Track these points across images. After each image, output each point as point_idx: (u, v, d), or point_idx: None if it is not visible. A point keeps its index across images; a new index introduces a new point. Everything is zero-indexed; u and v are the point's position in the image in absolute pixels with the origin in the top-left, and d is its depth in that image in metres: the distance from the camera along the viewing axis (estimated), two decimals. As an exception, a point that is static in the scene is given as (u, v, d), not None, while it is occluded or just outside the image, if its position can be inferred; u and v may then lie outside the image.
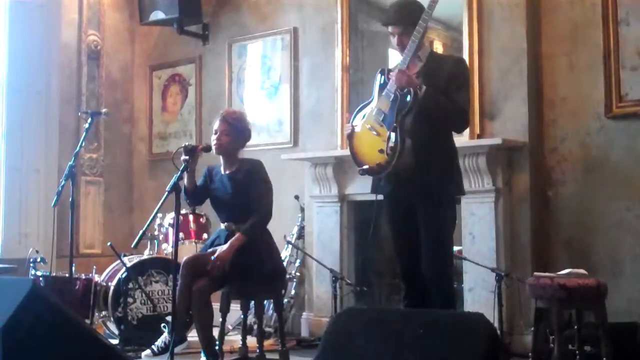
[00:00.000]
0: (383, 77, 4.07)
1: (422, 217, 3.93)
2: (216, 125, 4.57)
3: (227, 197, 4.53)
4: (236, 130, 4.56)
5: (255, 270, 4.34)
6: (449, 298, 3.96)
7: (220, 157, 4.62)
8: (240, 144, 4.63)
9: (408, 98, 3.86)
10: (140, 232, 3.97)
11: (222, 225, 4.57)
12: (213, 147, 4.50)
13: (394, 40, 4.05)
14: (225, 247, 4.32)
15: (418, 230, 3.96)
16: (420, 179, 3.88)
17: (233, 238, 4.36)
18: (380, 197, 4.15)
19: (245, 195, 4.47)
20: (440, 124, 3.96)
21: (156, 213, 4.15)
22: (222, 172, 4.59)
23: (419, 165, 3.88)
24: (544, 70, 5.28)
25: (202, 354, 4.28)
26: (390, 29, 4.05)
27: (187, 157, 4.30)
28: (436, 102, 3.89)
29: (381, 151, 3.89)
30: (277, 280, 4.60)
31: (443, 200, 3.98)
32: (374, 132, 3.96)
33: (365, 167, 4.01)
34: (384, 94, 3.96)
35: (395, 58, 6.29)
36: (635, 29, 4.88)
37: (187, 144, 4.40)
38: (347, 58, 6.08)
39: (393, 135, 3.85)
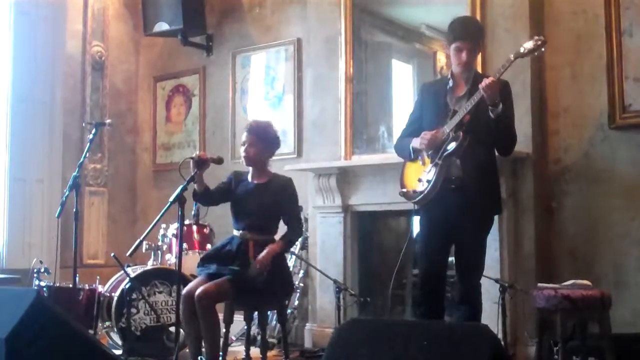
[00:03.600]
0: (453, 81, 4.15)
1: (463, 229, 4.00)
2: (244, 137, 4.60)
3: (250, 206, 4.52)
4: (263, 140, 4.59)
5: (263, 286, 4.34)
6: (479, 310, 4.09)
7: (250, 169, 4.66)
8: (269, 154, 4.67)
9: (455, 144, 3.93)
10: (138, 240, 3.97)
11: (236, 232, 4.55)
12: (242, 159, 4.55)
13: (457, 56, 4.07)
14: (264, 252, 4.34)
15: (451, 239, 4.08)
16: (465, 193, 3.97)
17: (272, 245, 4.41)
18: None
19: (270, 209, 4.51)
20: (500, 145, 4.09)
21: (156, 222, 4.15)
22: (250, 180, 4.60)
23: (465, 179, 3.98)
24: (547, 81, 5.29)
25: None
26: (459, 44, 4.07)
27: (196, 170, 4.30)
28: (508, 123, 3.99)
29: (419, 180, 4.03)
30: (284, 295, 4.62)
31: (485, 216, 4.13)
32: (421, 161, 4.10)
33: (404, 190, 4.17)
34: (451, 120, 3.99)
35: (399, 69, 6.35)
36: (639, 40, 4.88)
37: (195, 155, 4.40)
38: (351, 69, 6.09)
39: (433, 169, 3.98)
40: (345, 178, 5.91)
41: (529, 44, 3.91)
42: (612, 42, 4.96)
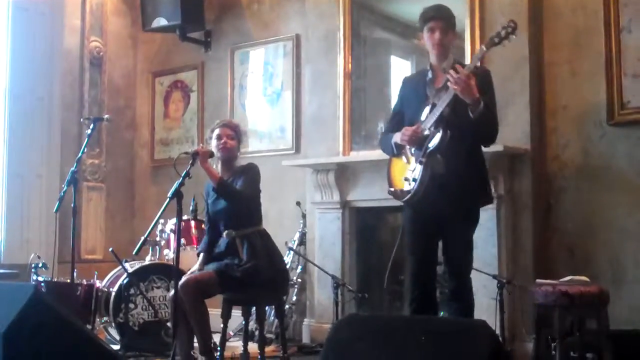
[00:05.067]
0: (432, 72, 4.08)
1: (449, 225, 3.94)
2: (217, 131, 4.60)
3: (221, 205, 4.52)
4: (239, 135, 4.64)
5: (252, 278, 4.33)
6: (470, 305, 3.99)
7: (219, 165, 4.64)
8: (239, 151, 4.68)
9: (436, 140, 3.84)
10: (142, 238, 3.98)
11: (224, 234, 4.56)
12: (219, 152, 4.53)
13: (431, 37, 4.01)
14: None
15: (438, 235, 3.99)
16: (450, 188, 3.86)
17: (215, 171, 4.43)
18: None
19: None
20: (480, 138, 3.99)
21: (158, 219, 4.15)
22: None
23: (449, 174, 3.86)
24: (546, 78, 5.28)
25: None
26: (431, 24, 4.01)
27: (191, 165, 4.30)
28: (490, 117, 3.88)
29: (405, 179, 3.94)
30: (278, 286, 4.59)
31: (471, 211, 4.02)
32: (404, 159, 4.01)
33: (392, 189, 4.08)
34: (431, 113, 3.90)
35: (397, 66, 6.35)
36: (638, 37, 4.88)
37: (191, 150, 4.42)
38: (349, 65, 6.09)
39: (419, 168, 3.87)
40: (344, 174, 5.91)
41: (500, 31, 3.83)
42: (611, 38, 4.95)
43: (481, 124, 3.80)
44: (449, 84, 3.77)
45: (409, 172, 3.93)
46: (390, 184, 4.11)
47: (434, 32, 4.00)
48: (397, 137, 4.03)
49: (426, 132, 3.88)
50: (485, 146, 4.13)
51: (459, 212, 3.91)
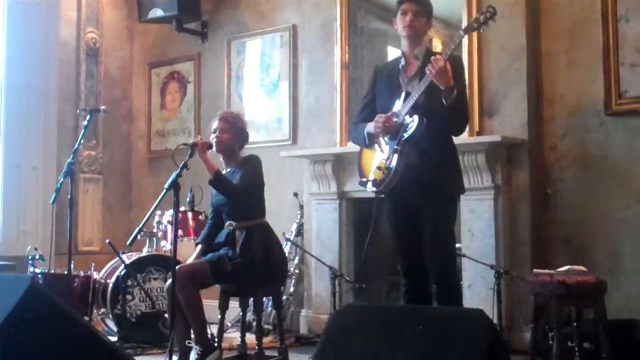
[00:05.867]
0: (404, 59, 4.02)
1: (426, 214, 3.89)
2: (215, 124, 4.58)
3: (225, 197, 4.51)
4: (236, 128, 4.58)
5: (244, 272, 4.32)
6: (456, 294, 3.97)
7: (220, 158, 4.62)
8: (239, 143, 4.63)
9: (412, 128, 3.78)
10: (137, 228, 3.97)
11: (226, 225, 4.54)
12: (213, 145, 4.51)
13: (402, 19, 3.96)
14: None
15: (420, 228, 3.93)
16: (424, 178, 3.82)
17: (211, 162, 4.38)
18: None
19: None
20: (452, 126, 3.93)
21: (154, 210, 4.14)
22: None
23: (423, 163, 3.82)
24: (543, 68, 5.27)
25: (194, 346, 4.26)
26: (404, 6, 3.96)
27: (190, 157, 4.29)
28: (462, 104, 3.83)
29: (379, 168, 3.87)
30: (273, 280, 4.58)
31: (447, 198, 3.96)
32: (378, 148, 3.94)
33: (364, 179, 4.00)
34: (405, 101, 3.84)
35: (394, 56, 6.32)
36: (635, 26, 4.87)
37: (189, 142, 4.40)
38: (346, 55, 6.08)
39: (395, 157, 3.81)
40: (341, 164, 5.91)
41: (479, 17, 3.81)
42: (609, 28, 4.95)
43: (454, 111, 3.75)
44: (426, 69, 3.71)
45: (383, 161, 3.86)
46: (362, 175, 4.03)
47: (406, 15, 3.94)
48: (370, 127, 3.97)
49: (401, 120, 3.82)
50: (455, 135, 4.05)
51: (435, 201, 3.86)
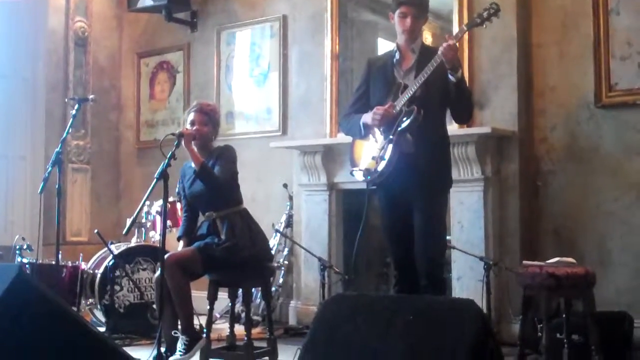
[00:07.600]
0: (399, 53, 4.04)
1: (418, 204, 3.92)
2: (191, 116, 4.52)
3: (200, 186, 4.47)
4: (214, 120, 4.57)
5: (232, 256, 4.30)
6: (440, 283, 3.98)
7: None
8: (215, 134, 4.63)
9: (408, 119, 3.83)
10: (132, 218, 3.95)
11: (204, 217, 4.53)
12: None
13: (402, 23, 3.99)
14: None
15: (411, 218, 3.94)
16: (419, 167, 3.86)
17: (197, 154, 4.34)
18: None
19: None
20: (460, 110, 4.00)
21: (145, 200, 4.11)
22: (192, 165, 4.51)
23: (418, 154, 3.86)
24: (534, 60, 5.27)
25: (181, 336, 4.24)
26: (403, 8, 3.99)
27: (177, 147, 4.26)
28: (467, 87, 3.92)
29: (373, 158, 3.90)
30: (261, 264, 4.55)
31: (439, 188, 4.01)
32: (373, 138, 3.96)
33: (356, 169, 4.02)
34: (402, 93, 3.89)
35: (385, 48, 6.30)
36: (626, 19, 4.87)
37: (177, 132, 4.36)
38: (337, 46, 6.05)
39: (390, 147, 3.85)
40: (331, 156, 5.89)
41: (482, 13, 3.86)
42: (599, 20, 4.94)
43: (461, 89, 3.83)
44: (439, 49, 3.76)
45: (377, 151, 3.89)
46: (354, 164, 4.05)
47: (406, 18, 3.99)
48: (366, 118, 3.99)
49: (397, 112, 3.86)
50: (463, 122, 4.12)
51: (427, 190, 3.89)
